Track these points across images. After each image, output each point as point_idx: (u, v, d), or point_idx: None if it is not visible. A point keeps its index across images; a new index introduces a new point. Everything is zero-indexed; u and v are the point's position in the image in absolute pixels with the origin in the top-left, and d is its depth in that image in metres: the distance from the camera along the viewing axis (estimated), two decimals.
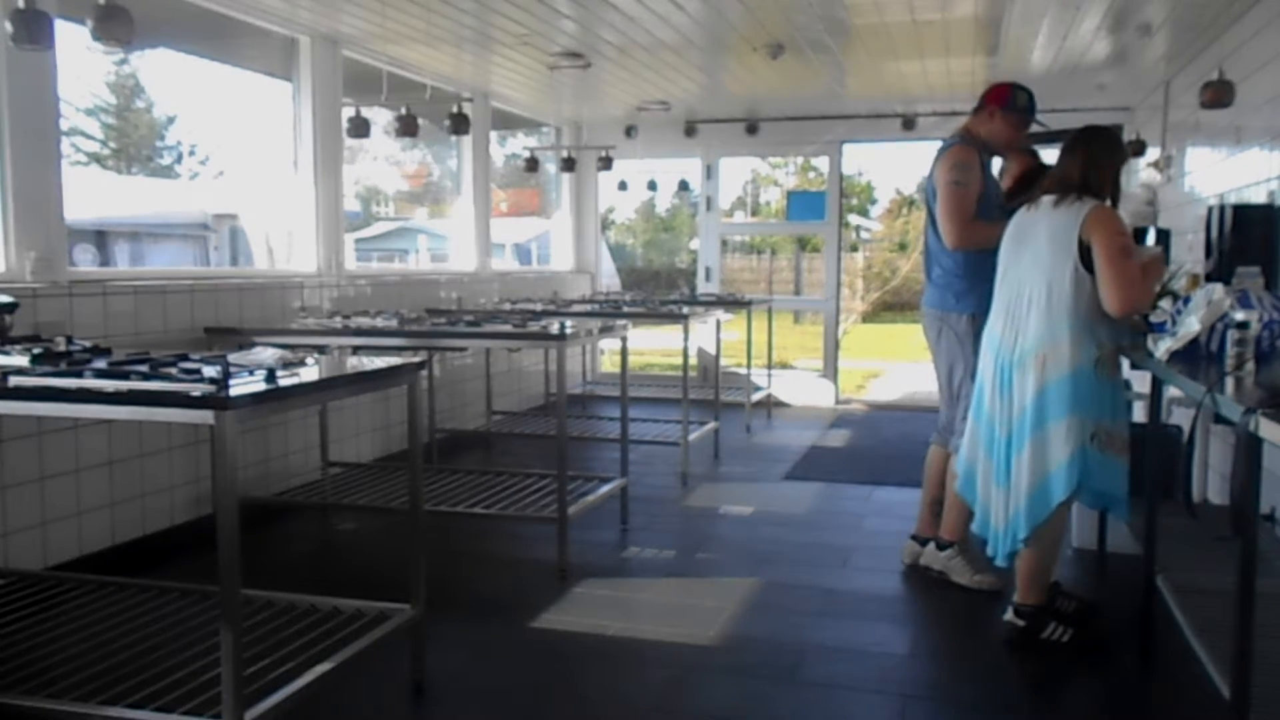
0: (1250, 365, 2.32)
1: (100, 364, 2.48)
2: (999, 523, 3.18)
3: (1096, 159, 3.10)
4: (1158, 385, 3.14)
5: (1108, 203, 3.10)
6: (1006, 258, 3.24)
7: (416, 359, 2.89)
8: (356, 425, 5.32)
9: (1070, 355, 3.01)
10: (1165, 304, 3.56)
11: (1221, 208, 3.92)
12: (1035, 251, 3.12)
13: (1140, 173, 6.69)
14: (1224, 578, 2.17)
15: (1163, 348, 2.78)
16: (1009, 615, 3.22)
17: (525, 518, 4.13)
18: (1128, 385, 3.45)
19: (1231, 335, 2.37)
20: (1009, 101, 3.74)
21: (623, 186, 8.59)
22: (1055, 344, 3.03)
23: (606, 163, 7.59)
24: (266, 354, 2.67)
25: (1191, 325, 2.76)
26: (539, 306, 6.38)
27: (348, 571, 4.06)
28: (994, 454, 3.20)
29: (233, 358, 2.52)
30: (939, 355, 3.85)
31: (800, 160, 18.14)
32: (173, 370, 2.35)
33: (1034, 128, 3.84)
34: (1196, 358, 2.70)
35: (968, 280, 3.68)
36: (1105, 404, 3.02)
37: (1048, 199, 3.12)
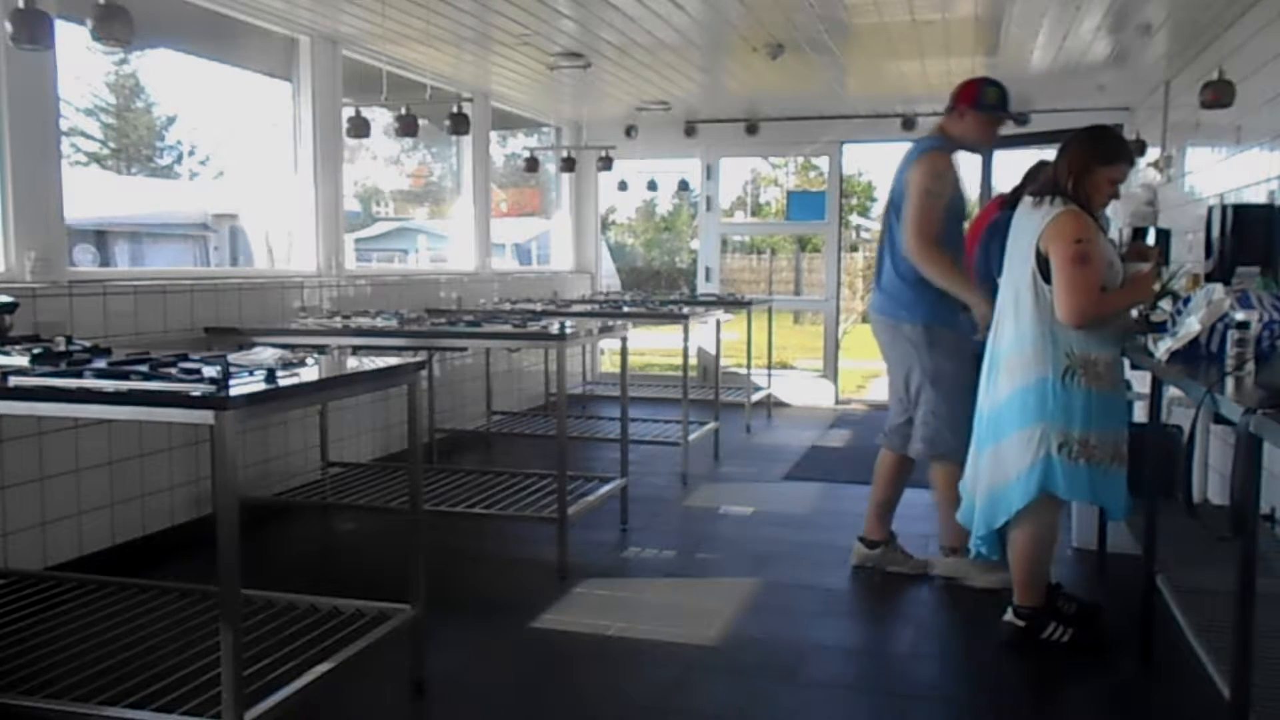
0: (1250, 365, 2.32)
1: (100, 364, 2.48)
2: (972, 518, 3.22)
3: (1071, 160, 3.03)
4: (1158, 385, 3.14)
5: (1075, 206, 2.99)
6: (1005, 258, 3.24)
7: (416, 359, 2.89)
8: (356, 425, 5.32)
9: (1034, 364, 3.00)
10: (1165, 304, 3.56)
11: (1222, 208, 3.92)
12: (1011, 255, 3.14)
13: (1140, 173, 6.69)
14: (1224, 578, 2.17)
15: (1163, 348, 2.77)
16: (1009, 616, 3.22)
17: (525, 518, 4.13)
18: (1128, 385, 3.45)
19: (1231, 335, 2.37)
20: (978, 99, 3.64)
21: (623, 186, 8.59)
22: (1021, 352, 3.04)
23: (606, 163, 7.59)
24: (266, 354, 2.67)
25: (1191, 325, 2.76)
26: (539, 306, 6.38)
27: (348, 571, 4.06)
28: (976, 448, 3.23)
29: (233, 358, 2.52)
30: (892, 360, 3.83)
31: (800, 160, 18.13)
32: (173, 370, 2.35)
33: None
34: (1196, 358, 2.69)
35: (915, 290, 3.63)
36: (1076, 413, 2.95)
37: (1028, 200, 3.11)
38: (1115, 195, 3.10)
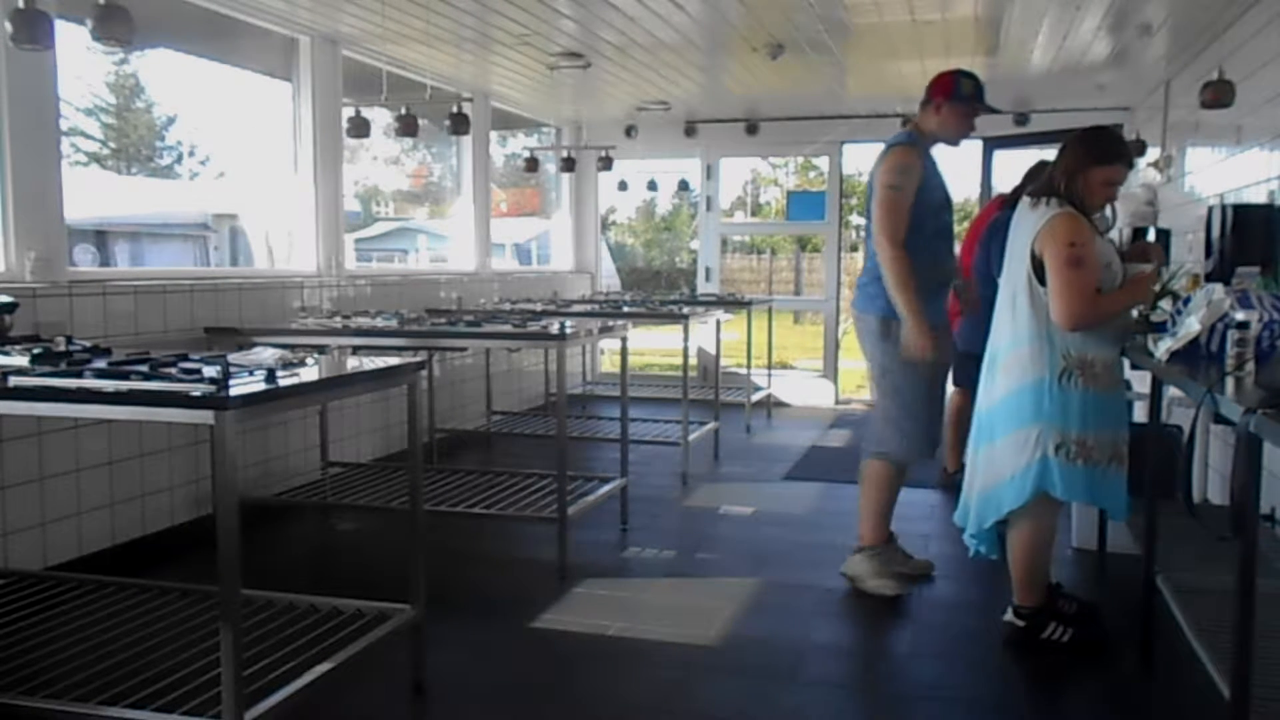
0: (1250, 365, 2.32)
1: (100, 364, 2.48)
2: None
3: (1068, 161, 3.01)
4: (1158, 385, 3.14)
5: (1070, 208, 2.96)
6: (1005, 258, 3.24)
7: (416, 359, 2.89)
8: (356, 425, 5.32)
9: (1031, 366, 2.99)
10: (1165, 304, 3.56)
11: (1222, 208, 3.92)
12: (1009, 255, 3.13)
13: (1140, 173, 6.70)
14: (1224, 578, 2.17)
15: (1163, 348, 2.77)
16: (1009, 616, 3.22)
17: (525, 518, 4.13)
18: (1128, 385, 3.45)
19: (1231, 335, 2.37)
20: (954, 91, 3.61)
21: (623, 186, 8.60)
22: (1017, 352, 3.04)
23: (606, 163, 7.59)
24: (266, 354, 2.67)
25: (1191, 325, 2.76)
26: (539, 306, 6.39)
27: (348, 571, 4.06)
28: (973, 447, 3.24)
29: (233, 358, 2.52)
30: (864, 355, 3.84)
31: (800, 160, 18.13)
32: (173, 370, 2.35)
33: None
34: (1196, 358, 2.69)
35: (878, 283, 3.60)
36: (1073, 415, 2.94)
37: (1027, 200, 3.09)
38: (1113, 196, 3.07)
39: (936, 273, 3.64)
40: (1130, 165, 3.11)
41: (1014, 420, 3.02)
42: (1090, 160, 2.98)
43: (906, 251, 3.52)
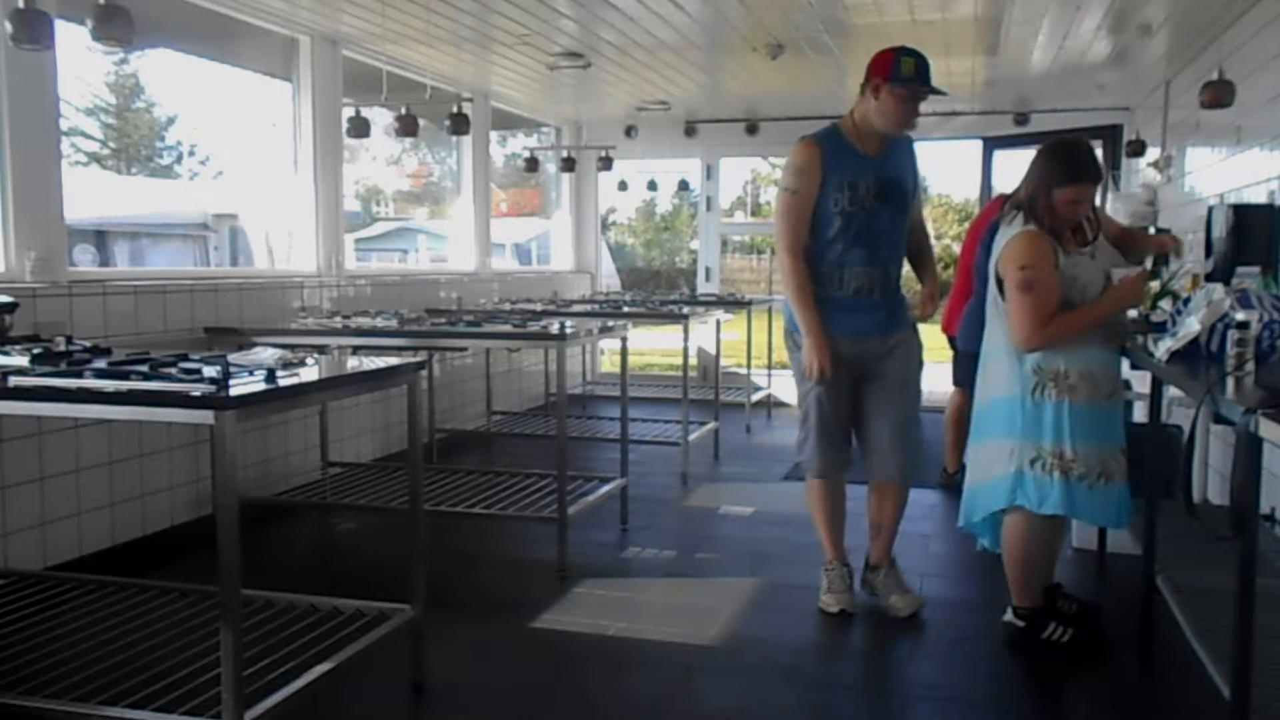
0: (1250, 365, 2.32)
1: (100, 364, 2.48)
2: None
3: (1031, 179, 2.96)
4: (1158, 385, 3.14)
5: (1034, 227, 2.91)
6: None
7: (416, 359, 2.90)
8: (356, 425, 5.31)
9: (1004, 380, 3.01)
10: (1165, 304, 3.55)
11: (1222, 208, 3.92)
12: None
13: (1140, 173, 6.69)
14: (1224, 578, 2.17)
15: (1163, 348, 2.78)
16: (1009, 616, 3.22)
17: (525, 518, 4.13)
18: (1128, 385, 3.44)
19: (1231, 335, 2.37)
20: (893, 71, 3.16)
21: (623, 186, 8.60)
22: (995, 364, 3.06)
23: (606, 163, 7.60)
24: (266, 354, 2.67)
25: (1191, 325, 2.76)
26: (539, 306, 6.39)
27: (348, 571, 4.06)
28: (970, 440, 3.26)
29: (233, 358, 2.52)
30: None
31: None
32: (173, 370, 2.35)
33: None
34: (1196, 358, 2.69)
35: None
36: (1047, 428, 2.91)
37: (1004, 212, 3.09)
38: (1080, 214, 2.96)
39: (846, 280, 3.33)
40: (1095, 182, 2.95)
41: (996, 429, 3.05)
42: (1051, 181, 2.90)
43: (807, 259, 3.30)
